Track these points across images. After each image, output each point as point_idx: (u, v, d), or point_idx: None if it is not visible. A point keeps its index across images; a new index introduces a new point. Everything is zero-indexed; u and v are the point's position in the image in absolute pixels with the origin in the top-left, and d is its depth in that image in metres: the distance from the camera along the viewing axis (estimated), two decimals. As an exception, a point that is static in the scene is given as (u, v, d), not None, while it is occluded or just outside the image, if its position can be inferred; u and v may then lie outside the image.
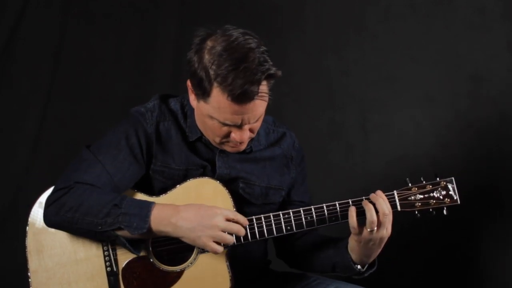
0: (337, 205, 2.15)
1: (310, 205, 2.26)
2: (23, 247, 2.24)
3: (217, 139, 2.16)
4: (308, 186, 2.44)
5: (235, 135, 2.10)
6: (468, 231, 3.22)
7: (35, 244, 2.20)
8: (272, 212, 2.18)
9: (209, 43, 2.04)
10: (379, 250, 2.15)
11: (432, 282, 3.26)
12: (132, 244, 2.12)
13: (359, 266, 2.20)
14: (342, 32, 3.38)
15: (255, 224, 2.15)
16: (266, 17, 3.47)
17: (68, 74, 3.58)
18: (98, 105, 3.55)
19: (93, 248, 2.19)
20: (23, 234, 2.25)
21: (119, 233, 2.09)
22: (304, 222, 2.16)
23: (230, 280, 2.16)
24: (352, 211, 2.09)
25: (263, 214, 2.19)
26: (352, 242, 2.15)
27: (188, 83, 2.14)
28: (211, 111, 2.07)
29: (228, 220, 2.09)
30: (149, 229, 2.07)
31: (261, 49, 2.02)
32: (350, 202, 2.14)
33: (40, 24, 3.55)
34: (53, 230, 2.18)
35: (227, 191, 2.18)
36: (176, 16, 3.55)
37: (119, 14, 3.60)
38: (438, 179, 2.17)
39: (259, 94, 2.01)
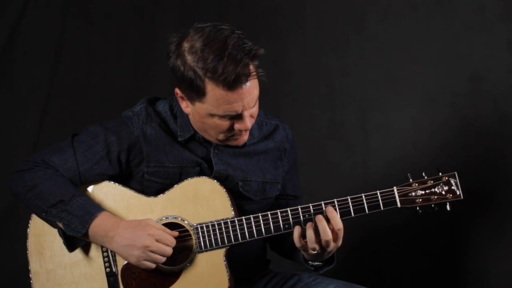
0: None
1: (300, 198, 2.39)
2: (23, 248, 2.25)
3: (221, 136, 2.16)
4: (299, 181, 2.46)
5: (239, 125, 2.11)
6: (467, 231, 3.21)
7: (36, 245, 2.21)
8: (270, 207, 2.22)
9: (185, 45, 2.06)
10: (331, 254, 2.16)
11: (432, 281, 3.25)
12: (70, 240, 2.15)
13: (315, 263, 2.21)
14: (342, 32, 3.38)
15: (253, 223, 2.15)
16: (266, 17, 3.47)
17: (68, 74, 3.58)
18: (98, 105, 3.55)
19: (93, 249, 2.20)
20: (23, 235, 2.25)
21: (60, 225, 2.13)
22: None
23: (229, 279, 2.16)
24: (296, 231, 2.10)
25: (261, 210, 2.21)
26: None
27: (177, 91, 2.14)
28: (210, 109, 2.07)
29: (158, 240, 2.10)
30: (86, 235, 2.11)
31: (236, 34, 2.04)
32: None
33: (40, 24, 3.55)
34: (54, 232, 2.19)
35: (224, 190, 2.18)
36: (176, 16, 3.54)
37: (119, 14, 3.60)
38: (440, 174, 2.13)
39: (251, 74, 2.03)
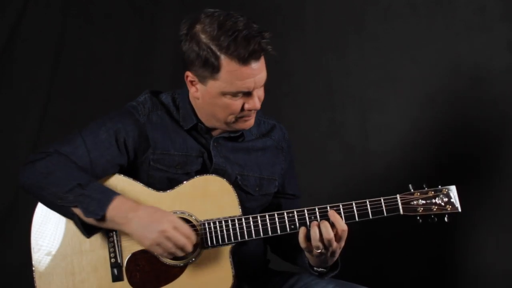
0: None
1: (299, 198, 2.41)
2: (23, 247, 2.24)
3: (231, 118, 2.20)
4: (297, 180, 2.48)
5: (248, 104, 2.17)
6: (467, 231, 3.21)
7: (40, 233, 2.21)
8: (269, 206, 2.27)
9: (198, 27, 2.13)
10: (336, 258, 2.18)
11: (432, 280, 3.26)
12: (87, 226, 2.14)
13: (319, 269, 2.22)
14: (342, 32, 3.38)
15: (259, 222, 2.17)
16: (266, 17, 3.47)
17: (68, 74, 3.58)
18: (98, 105, 3.54)
19: (99, 239, 2.20)
20: (23, 235, 2.25)
21: (77, 211, 2.12)
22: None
23: (233, 276, 2.17)
24: (302, 232, 2.12)
25: (260, 208, 2.27)
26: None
27: (188, 74, 2.19)
28: (223, 86, 2.13)
29: (175, 229, 2.09)
30: (104, 217, 2.09)
31: (244, 18, 2.15)
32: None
33: (40, 24, 3.55)
34: (59, 220, 2.19)
35: (233, 189, 2.21)
36: (176, 16, 3.55)
37: (119, 14, 3.60)
38: (440, 186, 2.19)
39: (263, 50, 2.11)
